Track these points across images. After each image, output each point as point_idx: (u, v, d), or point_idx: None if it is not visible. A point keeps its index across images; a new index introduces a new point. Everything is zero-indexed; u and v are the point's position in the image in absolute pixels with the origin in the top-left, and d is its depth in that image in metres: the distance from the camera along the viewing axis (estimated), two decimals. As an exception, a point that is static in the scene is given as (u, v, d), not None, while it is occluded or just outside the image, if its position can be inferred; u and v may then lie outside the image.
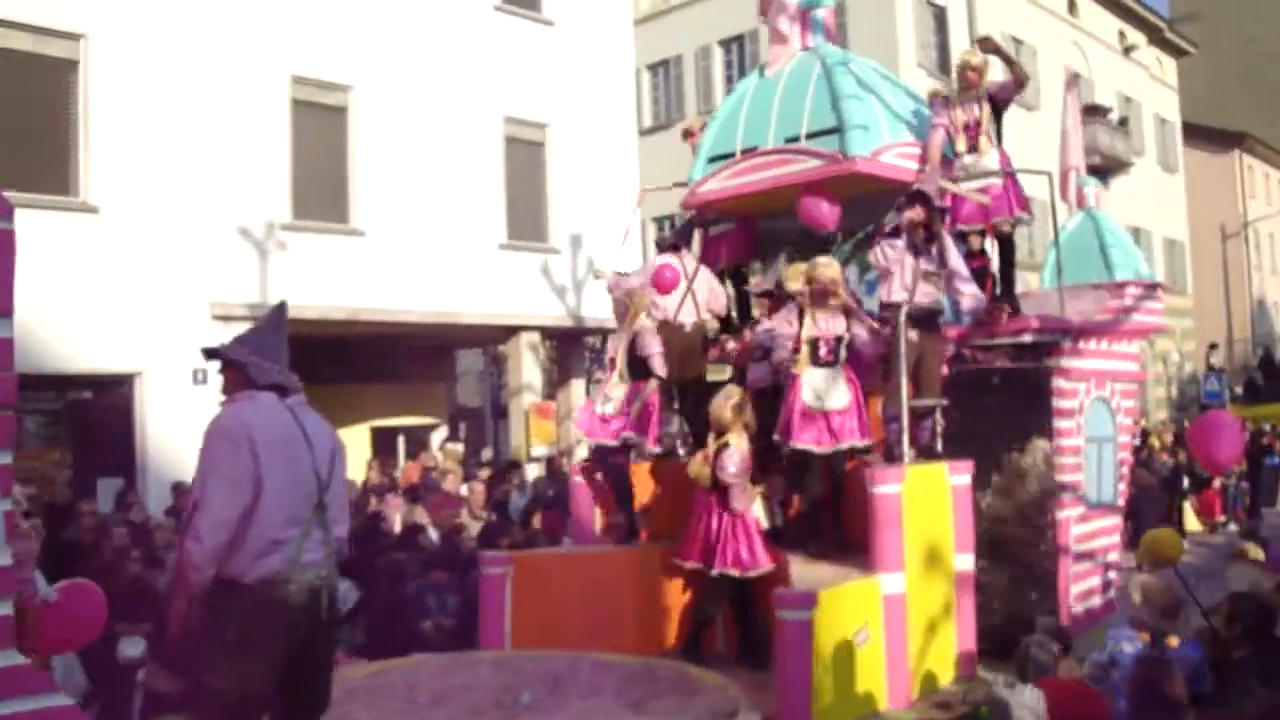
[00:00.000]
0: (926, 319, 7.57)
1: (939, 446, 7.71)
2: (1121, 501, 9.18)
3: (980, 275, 8.16)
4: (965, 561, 7.46)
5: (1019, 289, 8.85)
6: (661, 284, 8.39)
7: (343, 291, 16.15)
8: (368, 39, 16.77)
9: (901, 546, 6.90)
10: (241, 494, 4.43)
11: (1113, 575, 8.77)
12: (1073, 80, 10.66)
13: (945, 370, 7.83)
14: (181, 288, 14.70)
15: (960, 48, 14.77)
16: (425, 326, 17.46)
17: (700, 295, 8.60)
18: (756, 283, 8.79)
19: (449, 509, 12.37)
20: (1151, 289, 9.37)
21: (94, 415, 14.62)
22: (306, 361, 16.49)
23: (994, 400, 7.82)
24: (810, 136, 8.19)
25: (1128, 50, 36.32)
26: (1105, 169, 32.62)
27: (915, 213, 7.44)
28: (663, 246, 8.91)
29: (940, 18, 27.00)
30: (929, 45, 25.60)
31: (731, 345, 8.75)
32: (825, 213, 8.25)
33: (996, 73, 8.57)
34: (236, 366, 4.78)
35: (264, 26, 15.68)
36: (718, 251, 9.23)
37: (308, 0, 16.14)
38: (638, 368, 8.10)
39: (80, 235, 13.99)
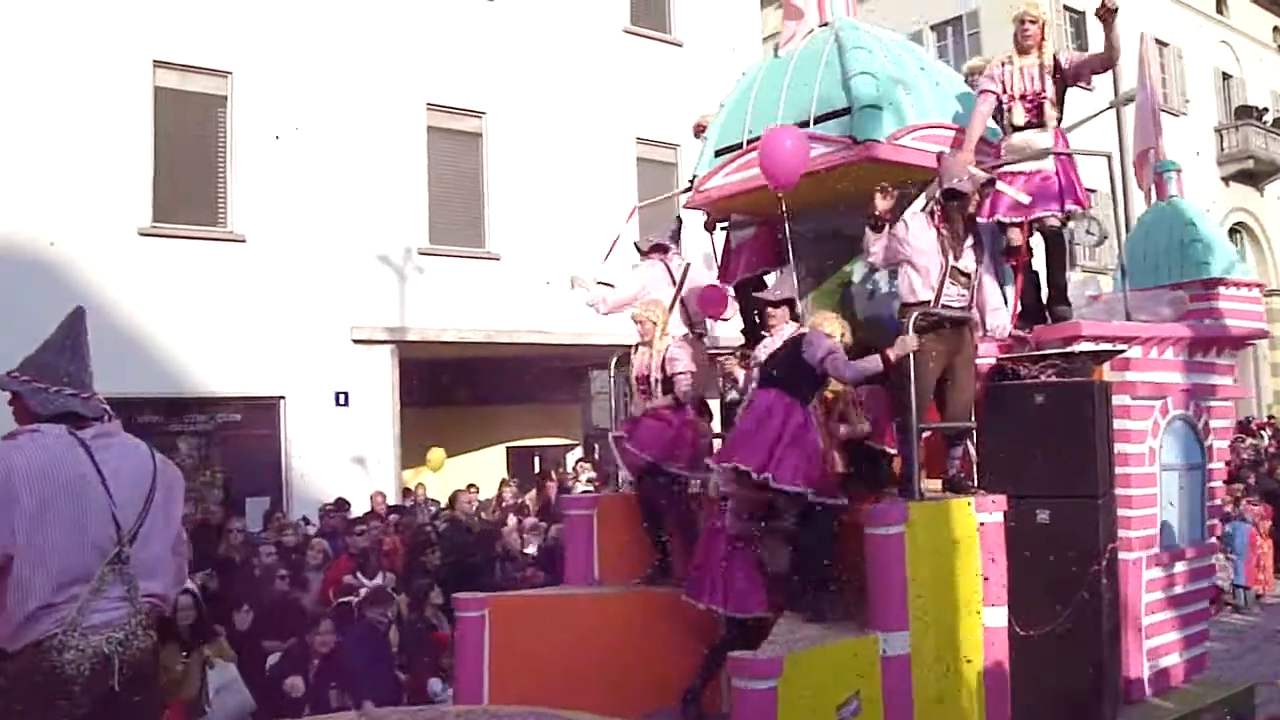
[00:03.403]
0: (955, 325, 6.25)
1: (974, 478, 6.38)
2: (1213, 538, 7.64)
3: (1023, 276, 6.92)
4: (997, 616, 6.04)
5: (1092, 292, 7.57)
6: (707, 305, 7.39)
7: (479, 314, 15.82)
8: (500, 65, 16.48)
9: (904, 598, 5.58)
10: None
11: (1197, 628, 7.31)
12: (1144, 42, 9.04)
13: (979, 387, 6.46)
14: (323, 313, 14.71)
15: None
16: (560, 347, 16.95)
17: (692, 304, 7.61)
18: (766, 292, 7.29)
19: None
20: (1246, 288, 7.83)
21: (242, 437, 14.66)
22: (444, 383, 16.86)
23: (1039, 422, 6.16)
24: (819, 120, 6.82)
25: (1283, 48, 34.63)
26: (1258, 174, 30.37)
27: (961, 205, 6.20)
28: (645, 250, 7.82)
29: (1079, 23, 26.26)
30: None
31: (731, 367, 7.61)
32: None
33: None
34: (15, 396, 3.97)
35: (400, 56, 15.58)
36: (738, 260, 7.97)
37: (442, 29, 16.01)
38: (668, 387, 7.09)
39: (228, 264, 14.14)
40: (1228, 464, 8.56)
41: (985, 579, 6.03)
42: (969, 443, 6.43)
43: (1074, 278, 7.79)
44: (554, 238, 16.50)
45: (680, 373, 7.02)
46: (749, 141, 7.13)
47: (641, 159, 18.03)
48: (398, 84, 15.66)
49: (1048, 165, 6.67)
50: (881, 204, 6.24)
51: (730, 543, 6.17)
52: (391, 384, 15.47)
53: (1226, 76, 31.05)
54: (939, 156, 6.50)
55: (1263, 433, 21.53)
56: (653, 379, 7.10)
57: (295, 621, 9.52)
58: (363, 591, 10.54)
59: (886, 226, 6.28)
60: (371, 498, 13.89)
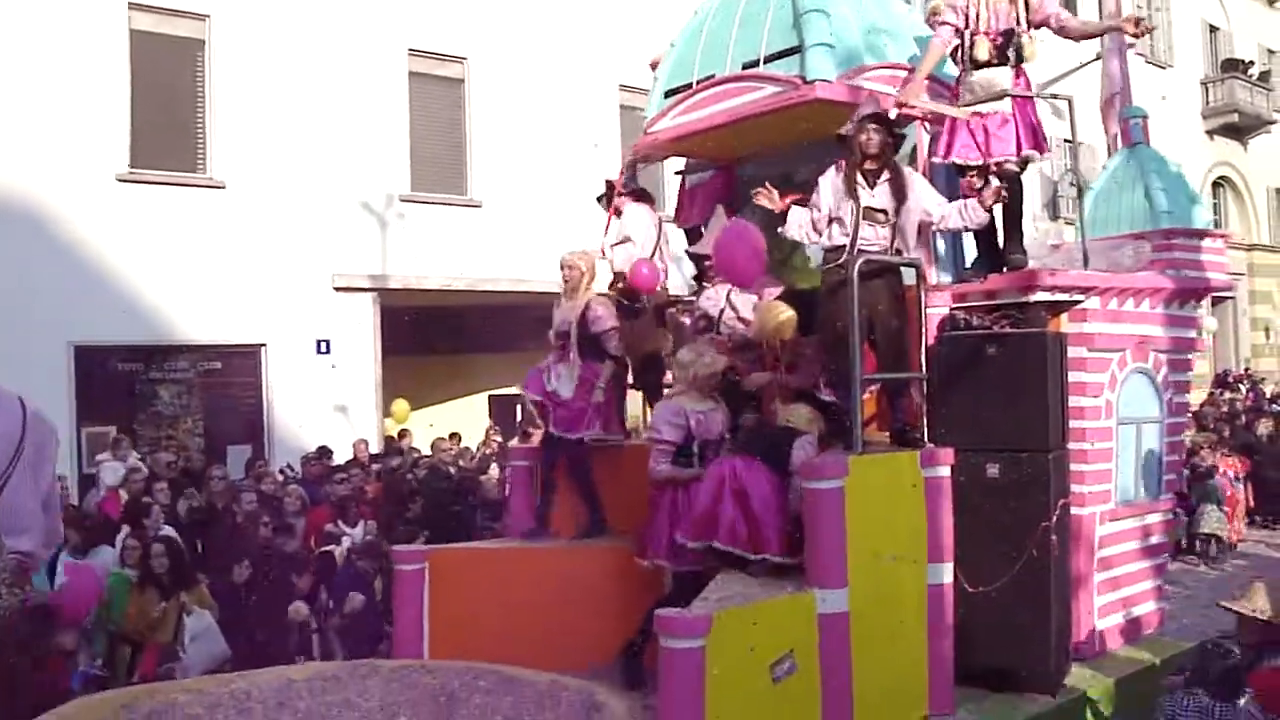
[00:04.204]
0: (878, 272, 5.84)
1: (924, 431, 6.04)
2: (1168, 495, 7.34)
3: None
4: (943, 573, 5.79)
5: (1053, 241, 7.23)
6: (642, 283, 6.92)
7: (461, 262, 15.56)
8: (482, 10, 16.12)
9: (843, 554, 5.28)
10: None
11: (1151, 584, 7.09)
12: None
13: (931, 339, 6.12)
14: (304, 260, 14.49)
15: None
16: (542, 295, 16.87)
17: (667, 252, 7.24)
18: (700, 244, 7.09)
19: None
20: (1211, 239, 7.46)
21: (223, 385, 14.48)
22: (426, 331, 16.71)
23: (991, 374, 5.87)
24: (769, 60, 6.48)
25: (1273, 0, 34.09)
26: (1242, 128, 29.87)
27: (868, 138, 5.76)
28: (637, 195, 7.32)
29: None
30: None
31: (685, 318, 7.22)
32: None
33: None
34: None
35: (380, 1, 15.30)
36: (693, 205, 7.65)
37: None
38: (587, 346, 6.71)
39: (208, 211, 13.90)
40: (1194, 416, 8.19)
41: (931, 535, 5.77)
42: (918, 395, 6.11)
43: (1042, 228, 7.45)
44: (536, 185, 16.24)
45: (606, 331, 6.69)
46: (699, 81, 6.84)
47: (624, 106, 17.67)
48: (379, 28, 15.31)
49: (1005, 107, 6.31)
50: (768, 204, 6.03)
51: (664, 489, 5.96)
52: (373, 331, 15.29)
53: (1213, 29, 30.48)
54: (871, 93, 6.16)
55: (1240, 385, 21.42)
56: (570, 334, 6.73)
57: (278, 569, 9.45)
58: (345, 541, 10.49)
59: (791, 213, 6.05)
60: (354, 445, 13.77)
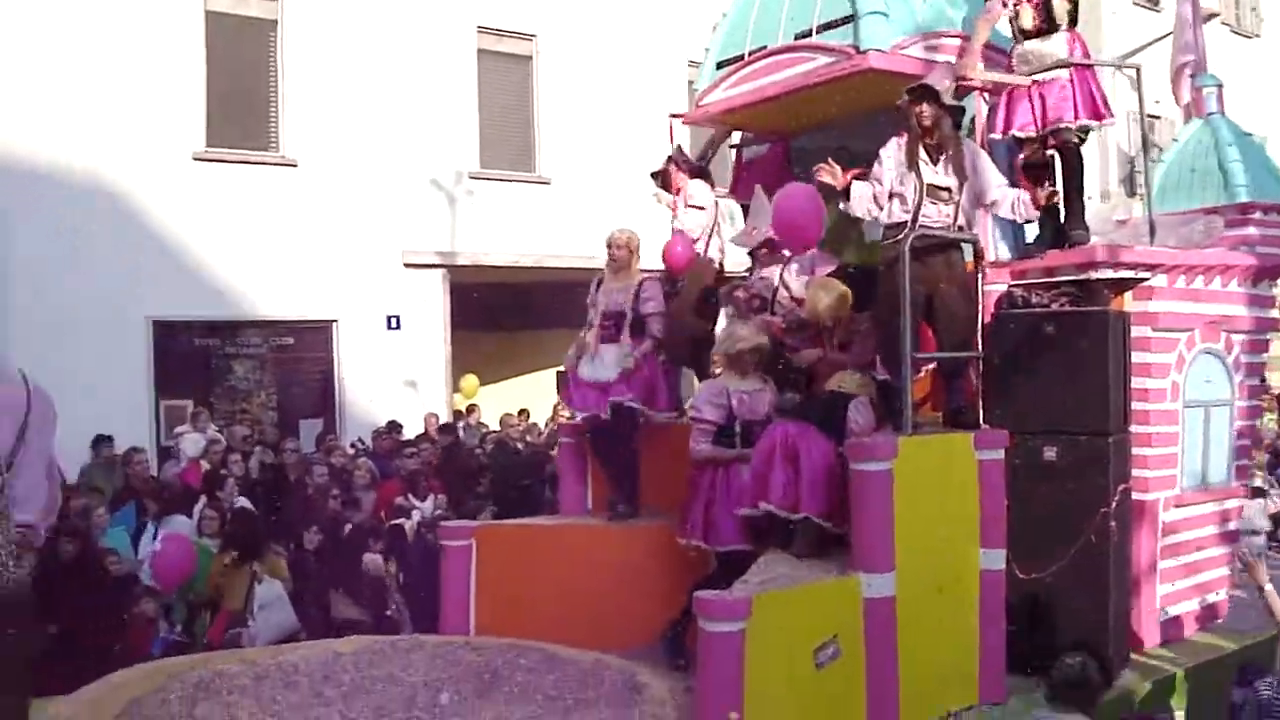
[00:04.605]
0: (939, 249, 5.69)
1: (979, 412, 5.86)
2: (1237, 481, 7.03)
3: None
4: (994, 559, 5.60)
5: (1120, 216, 6.99)
6: (675, 261, 6.88)
7: (529, 239, 15.47)
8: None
9: (890, 538, 5.14)
10: None
11: (1222, 572, 6.82)
12: None
13: (986, 316, 5.93)
14: (374, 237, 14.50)
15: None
16: None
17: (725, 233, 7.11)
18: (745, 233, 6.98)
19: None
20: None
21: (295, 360, 14.60)
22: (494, 308, 16.70)
23: (1049, 354, 5.68)
24: (822, 29, 6.30)
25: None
26: None
27: (921, 111, 5.59)
28: (692, 170, 7.21)
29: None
30: None
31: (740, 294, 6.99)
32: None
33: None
34: None
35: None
36: (749, 178, 7.49)
37: (492, -49, 15.56)
38: (637, 327, 6.66)
39: (281, 189, 13.98)
40: (1277, 399, 7.84)
41: (984, 519, 5.58)
42: (973, 374, 5.91)
43: (1109, 204, 7.16)
44: (604, 162, 16.12)
45: (653, 314, 6.61)
46: (751, 53, 6.68)
47: (693, 82, 17.49)
48: (448, 6, 15.25)
49: (1063, 74, 6.08)
50: (830, 180, 5.84)
51: (704, 469, 5.85)
52: (442, 308, 15.32)
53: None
54: (930, 64, 5.96)
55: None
56: (625, 315, 6.65)
57: (349, 541, 9.55)
58: (415, 515, 10.56)
59: (854, 187, 5.86)
60: (425, 419, 13.84)
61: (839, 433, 5.55)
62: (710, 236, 7.04)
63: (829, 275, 6.11)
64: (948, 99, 5.67)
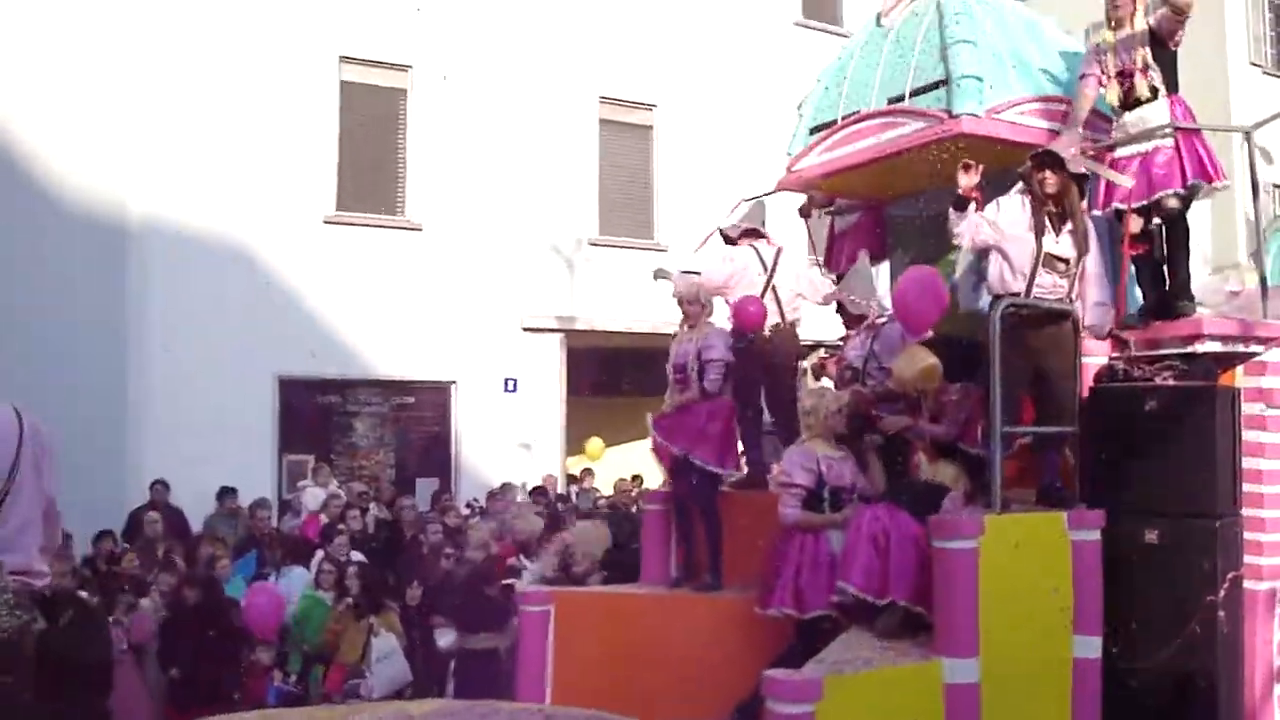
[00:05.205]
0: (1050, 319, 5.45)
1: (1076, 490, 5.52)
2: None
3: (1145, 268, 6.01)
4: (1088, 646, 5.24)
5: (1233, 287, 6.57)
6: (746, 320, 6.66)
7: (647, 305, 15.97)
8: (671, 58, 16.14)
9: (974, 621, 4.86)
10: None
11: None
12: None
13: (1085, 389, 5.61)
14: (495, 301, 14.71)
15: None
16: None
17: (784, 292, 6.90)
18: (828, 295, 6.81)
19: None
20: None
21: (414, 419, 14.86)
22: (611, 373, 16.73)
23: (1151, 431, 5.31)
24: (915, 94, 6.16)
25: None
26: None
27: (1044, 178, 5.39)
28: (734, 236, 7.14)
29: (1278, 8, 23.70)
30: (1263, 39, 21.44)
31: (832, 364, 6.92)
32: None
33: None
34: None
35: (574, 49, 15.43)
36: (841, 248, 7.39)
37: (614, 23, 15.77)
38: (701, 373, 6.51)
39: (405, 252, 14.30)
40: None
41: (1078, 604, 5.25)
42: (1068, 451, 5.61)
43: (1222, 274, 6.76)
44: (722, 230, 16.10)
45: (713, 360, 6.47)
46: (844, 118, 6.56)
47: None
48: (571, 77, 15.49)
49: (1167, 142, 5.80)
50: (965, 180, 5.53)
51: (792, 536, 5.63)
52: (559, 372, 15.40)
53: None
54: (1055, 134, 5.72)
55: None
56: (690, 366, 6.56)
57: (461, 601, 9.55)
58: (525, 575, 10.53)
59: (971, 205, 5.56)
60: (544, 479, 13.87)
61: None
62: (763, 295, 6.85)
63: (919, 345, 5.88)
64: (1074, 168, 5.47)
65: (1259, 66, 20.83)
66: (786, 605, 5.60)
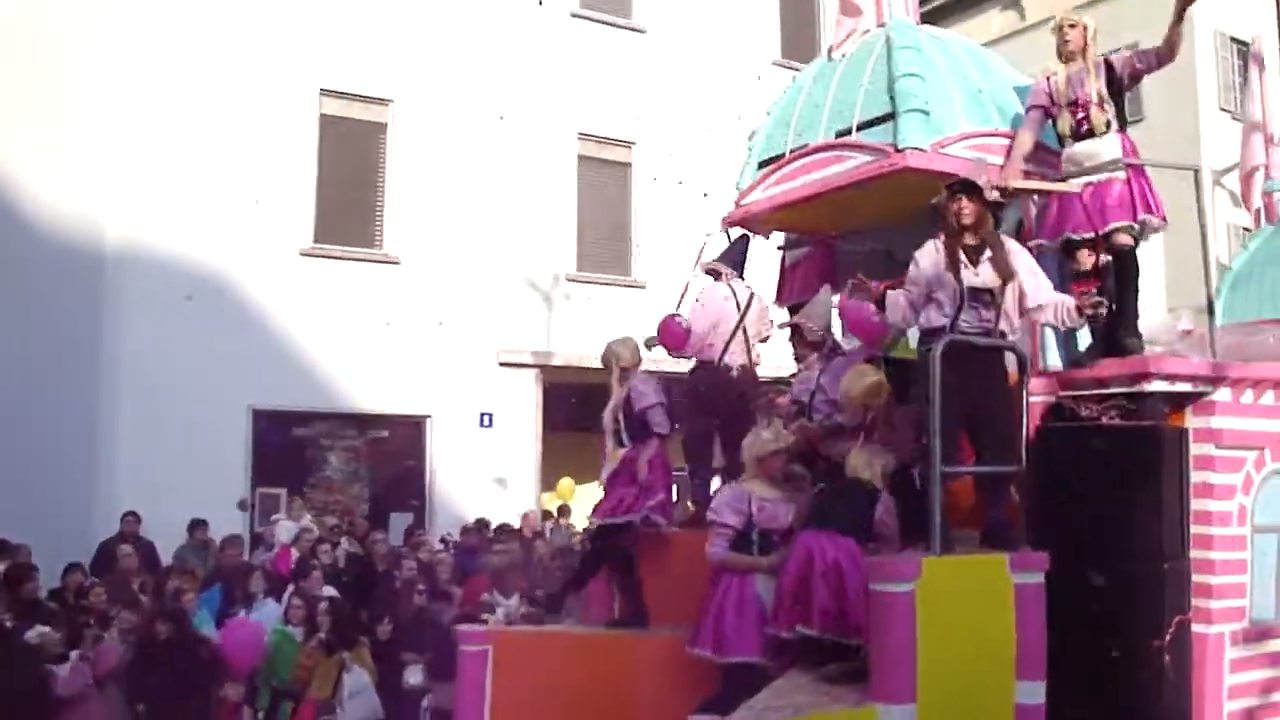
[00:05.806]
0: (978, 357, 5.25)
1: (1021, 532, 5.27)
2: None
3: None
4: (1031, 692, 5.01)
5: (1184, 326, 6.49)
6: (664, 337, 6.66)
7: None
8: (651, 96, 16.19)
9: (912, 666, 4.63)
10: None
11: None
12: (1256, 49, 7.77)
13: (1031, 428, 5.41)
14: (471, 336, 14.59)
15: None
16: None
17: (753, 330, 6.82)
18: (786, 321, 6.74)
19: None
20: None
21: (389, 453, 14.69)
22: (587, 409, 16.58)
23: (1098, 471, 5.16)
24: (862, 127, 6.01)
25: None
26: None
27: (961, 208, 5.21)
28: (715, 274, 7.04)
29: (1246, 56, 23.82)
30: (1233, 88, 21.54)
31: (781, 400, 6.78)
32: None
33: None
34: None
35: (553, 87, 15.45)
36: (792, 282, 7.25)
37: (594, 60, 15.84)
38: (636, 428, 6.41)
39: (382, 285, 14.20)
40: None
41: (1020, 649, 5.02)
42: (1013, 491, 5.41)
43: (1174, 312, 6.66)
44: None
45: (650, 406, 6.37)
46: (792, 151, 6.42)
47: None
48: (550, 113, 15.46)
49: (1118, 174, 5.69)
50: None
51: (720, 576, 5.50)
52: (535, 407, 15.27)
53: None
54: (970, 162, 5.61)
55: None
56: (620, 419, 6.46)
57: (433, 635, 9.42)
58: (499, 611, 10.39)
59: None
60: (523, 516, 13.69)
61: (863, 530, 5.24)
62: (733, 336, 6.74)
63: (866, 363, 5.78)
64: (990, 195, 5.29)
65: (1228, 112, 21.24)
66: (706, 648, 5.49)
